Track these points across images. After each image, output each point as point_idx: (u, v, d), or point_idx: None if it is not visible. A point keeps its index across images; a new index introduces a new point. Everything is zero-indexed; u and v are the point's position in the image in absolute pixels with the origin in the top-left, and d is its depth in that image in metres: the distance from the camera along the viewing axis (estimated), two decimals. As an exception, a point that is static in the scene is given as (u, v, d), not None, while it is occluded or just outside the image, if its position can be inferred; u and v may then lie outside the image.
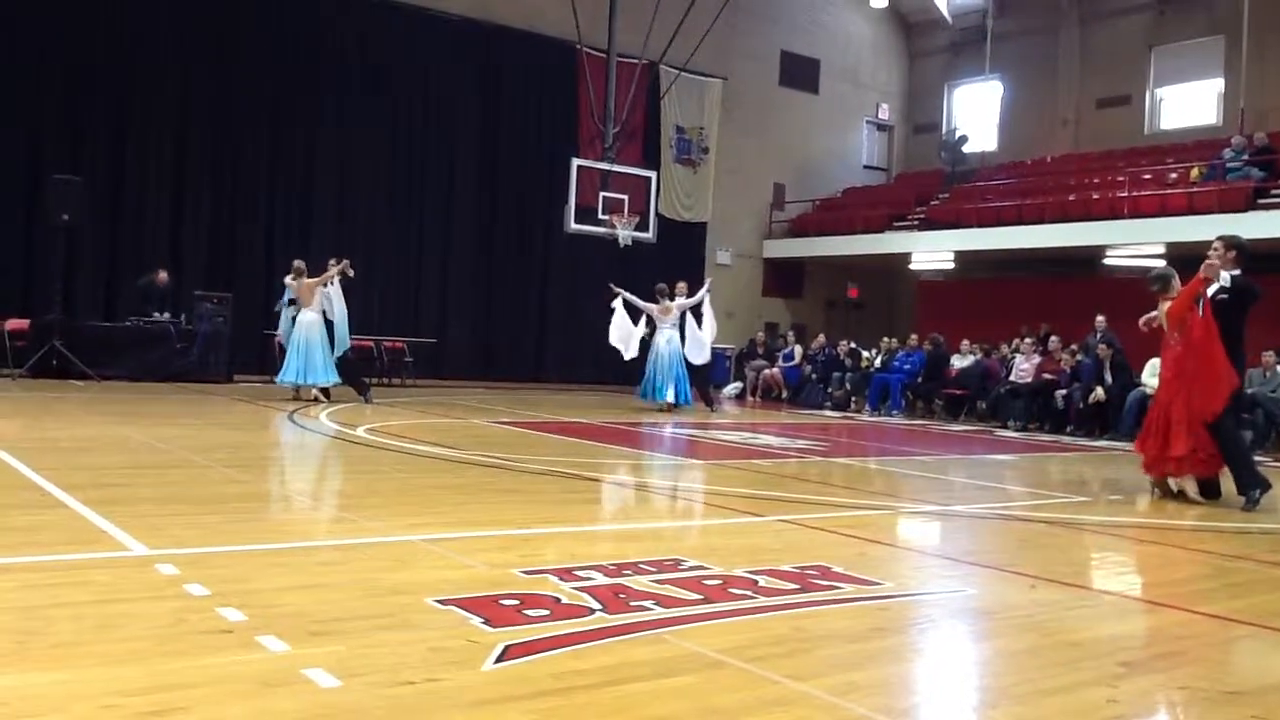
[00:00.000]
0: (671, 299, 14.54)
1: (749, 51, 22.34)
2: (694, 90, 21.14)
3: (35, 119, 15.25)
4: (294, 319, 12.52)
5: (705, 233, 21.79)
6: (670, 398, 14.17)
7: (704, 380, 15.45)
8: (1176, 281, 7.45)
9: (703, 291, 14.86)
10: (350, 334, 12.86)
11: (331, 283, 12.44)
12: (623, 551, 4.48)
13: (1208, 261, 7.00)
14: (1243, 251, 7.14)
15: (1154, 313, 7.50)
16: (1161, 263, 15.57)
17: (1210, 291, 7.00)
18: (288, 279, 12.72)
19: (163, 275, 15.06)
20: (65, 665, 2.69)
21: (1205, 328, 6.97)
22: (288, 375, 12.38)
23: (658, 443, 10.64)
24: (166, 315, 14.72)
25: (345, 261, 12.57)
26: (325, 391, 12.49)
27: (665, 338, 14.34)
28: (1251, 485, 6.90)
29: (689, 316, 14.73)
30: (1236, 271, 7.01)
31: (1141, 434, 7.55)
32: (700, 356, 14.74)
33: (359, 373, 13.55)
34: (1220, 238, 7.23)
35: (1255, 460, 7.49)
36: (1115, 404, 13.15)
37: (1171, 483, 7.34)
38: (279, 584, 3.67)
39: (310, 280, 12.48)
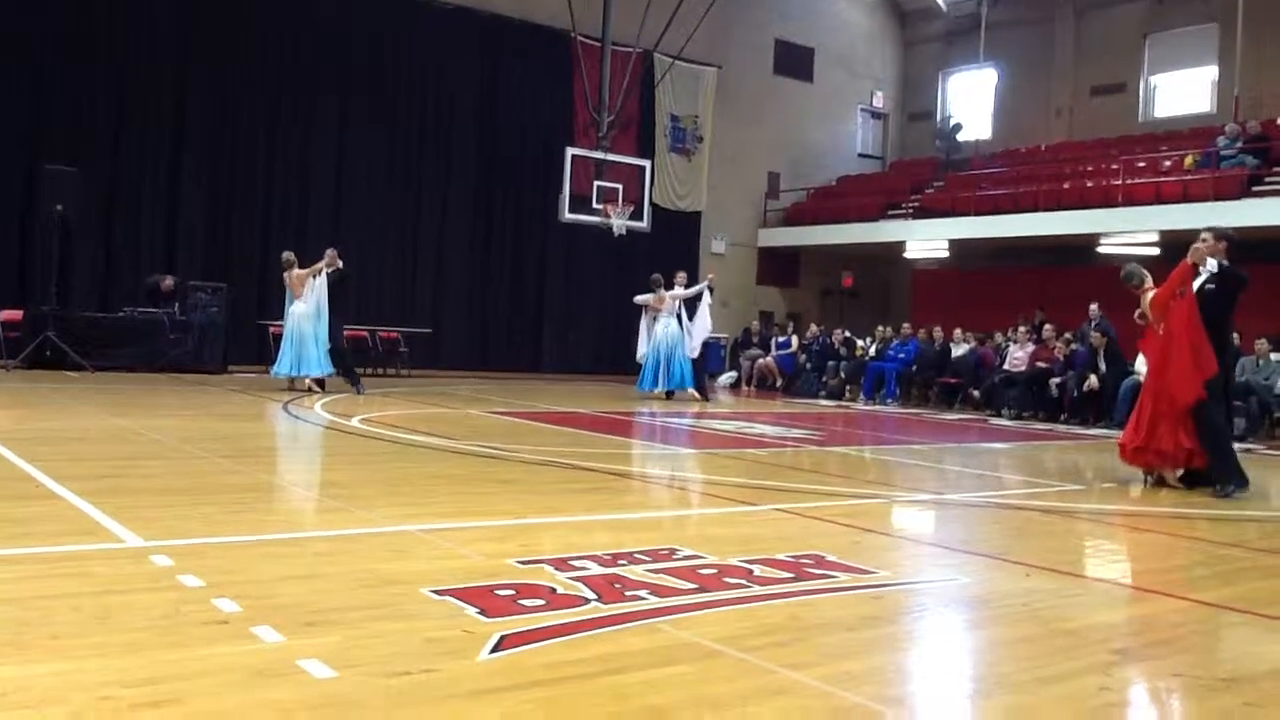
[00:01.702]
0: (669, 289, 14.61)
1: (743, 40, 22.30)
2: (688, 79, 21.10)
3: (33, 109, 15.19)
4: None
5: (700, 222, 21.79)
6: (667, 385, 14.28)
7: (699, 370, 15.49)
8: (1149, 276, 7.50)
9: (701, 287, 14.91)
10: (342, 324, 12.83)
11: (318, 274, 12.39)
12: (618, 541, 4.48)
13: (1194, 246, 7.02)
14: (1231, 243, 7.16)
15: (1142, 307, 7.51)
16: (1156, 250, 15.69)
17: (1197, 284, 7.01)
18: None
19: (168, 282, 15.04)
20: (62, 656, 2.70)
21: (1186, 316, 6.97)
22: (282, 367, 12.36)
23: (653, 433, 10.66)
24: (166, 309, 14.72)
25: (332, 252, 12.51)
26: (320, 382, 12.47)
27: (663, 326, 14.43)
28: (1227, 479, 6.85)
29: (683, 307, 14.78)
30: (1224, 261, 7.03)
31: (1129, 425, 7.54)
32: (690, 348, 14.78)
33: (351, 363, 13.52)
34: (1209, 228, 7.26)
35: (1243, 449, 7.48)
36: (1109, 392, 13.17)
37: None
38: (274, 574, 3.67)
39: (300, 271, 12.45)
